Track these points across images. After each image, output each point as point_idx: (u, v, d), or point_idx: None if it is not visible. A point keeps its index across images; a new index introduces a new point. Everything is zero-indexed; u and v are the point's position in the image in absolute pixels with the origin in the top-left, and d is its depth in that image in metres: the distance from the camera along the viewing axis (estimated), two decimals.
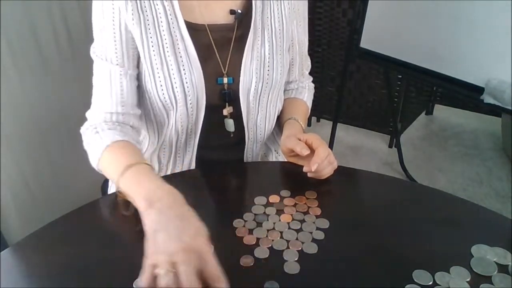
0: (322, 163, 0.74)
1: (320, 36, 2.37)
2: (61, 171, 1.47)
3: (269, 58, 0.83)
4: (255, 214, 0.69)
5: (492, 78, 1.28)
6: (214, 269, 0.52)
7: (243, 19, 0.82)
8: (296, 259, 0.60)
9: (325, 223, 0.67)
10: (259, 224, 0.67)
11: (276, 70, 0.84)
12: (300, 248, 0.62)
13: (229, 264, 0.60)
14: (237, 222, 0.67)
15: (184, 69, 0.78)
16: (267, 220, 0.68)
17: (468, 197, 1.92)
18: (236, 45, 0.82)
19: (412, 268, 0.58)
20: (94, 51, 0.78)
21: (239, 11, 0.81)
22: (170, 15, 0.77)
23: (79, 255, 0.62)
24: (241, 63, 0.81)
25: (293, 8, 0.86)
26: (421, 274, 0.57)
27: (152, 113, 0.84)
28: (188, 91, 0.78)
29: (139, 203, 0.60)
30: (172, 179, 0.83)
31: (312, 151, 0.77)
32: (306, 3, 0.90)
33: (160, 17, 0.77)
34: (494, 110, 1.40)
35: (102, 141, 0.73)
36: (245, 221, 0.67)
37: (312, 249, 0.62)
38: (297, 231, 0.65)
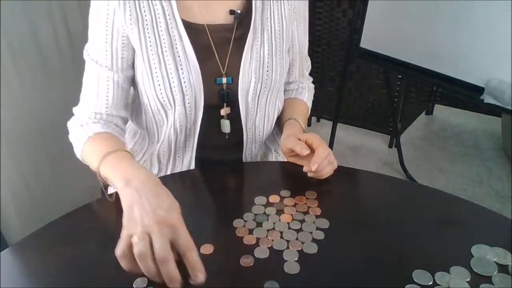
0: (322, 163, 0.74)
1: (320, 36, 2.37)
2: (61, 171, 1.47)
3: (268, 58, 0.83)
4: (255, 214, 0.69)
5: (492, 78, 1.28)
6: (186, 240, 0.55)
7: (242, 20, 0.82)
8: (296, 259, 0.60)
9: (325, 223, 0.67)
10: (259, 224, 0.67)
11: (275, 71, 0.84)
12: (300, 248, 0.62)
13: (229, 264, 0.60)
14: (237, 222, 0.67)
15: (182, 69, 0.78)
16: (267, 220, 0.68)
17: (468, 197, 1.92)
18: (235, 46, 0.82)
19: (412, 268, 0.58)
20: (87, 50, 0.80)
21: (239, 11, 0.81)
22: (169, 15, 0.77)
23: (79, 255, 0.62)
24: (240, 63, 0.81)
25: (293, 9, 0.86)
26: (421, 274, 0.57)
27: (151, 113, 0.84)
28: (186, 91, 0.79)
29: (117, 183, 0.63)
30: (172, 179, 0.83)
31: (312, 151, 0.77)
32: (307, 3, 0.90)
33: (159, 17, 0.77)
34: (494, 110, 1.40)
35: (85, 133, 0.77)
36: (245, 221, 0.67)
37: (312, 249, 0.62)
38: (297, 231, 0.65)
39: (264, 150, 0.99)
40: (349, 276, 0.58)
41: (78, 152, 0.79)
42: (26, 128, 1.34)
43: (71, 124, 0.83)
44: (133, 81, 0.84)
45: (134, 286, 0.56)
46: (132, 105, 0.90)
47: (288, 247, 0.62)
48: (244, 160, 0.92)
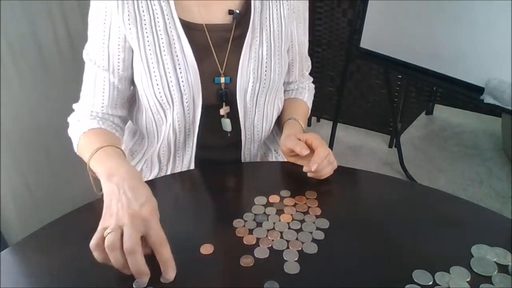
0: (322, 163, 0.74)
1: (320, 36, 2.37)
2: (61, 171, 1.47)
3: (267, 58, 0.83)
4: (255, 214, 0.69)
5: (492, 78, 1.28)
6: (158, 234, 0.57)
7: (241, 20, 0.82)
8: (296, 259, 0.60)
9: (325, 223, 0.67)
10: (259, 224, 0.67)
11: (274, 71, 0.84)
12: (300, 248, 0.62)
13: (229, 264, 0.60)
14: (237, 222, 0.67)
15: (180, 68, 0.78)
16: (267, 220, 0.68)
17: (468, 197, 1.92)
18: (234, 45, 0.82)
19: (412, 268, 0.58)
20: (87, 49, 0.81)
21: (238, 11, 0.81)
22: (167, 15, 0.77)
23: (79, 255, 0.62)
24: (238, 63, 0.81)
25: (292, 9, 0.86)
26: (421, 274, 0.57)
27: (150, 113, 0.84)
28: (184, 90, 0.79)
29: (101, 177, 0.66)
30: (172, 179, 0.83)
31: (312, 151, 0.77)
32: (307, 3, 0.90)
33: (157, 17, 0.77)
34: (494, 110, 1.40)
35: (81, 129, 0.80)
36: (245, 221, 0.67)
37: (312, 249, 0.62)
38: (297, 231, 0.65)
39: (264, 150, 0.99)
40: (349, 276, 0.58)
41: (75, 146, 0.82)
42: (26, 128, 1.34)
43: (70, 120, 0.86)
44: (131, 81, 0.84)
45: (134, 286, 0.56)
46: (132, 105, 0.90)
47: (288, 247, 0.62)
48: (243, 159, 0.92)
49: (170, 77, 0.78)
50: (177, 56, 0.78)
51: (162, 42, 0.77)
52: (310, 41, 0.98)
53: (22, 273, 0.61)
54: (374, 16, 1.64)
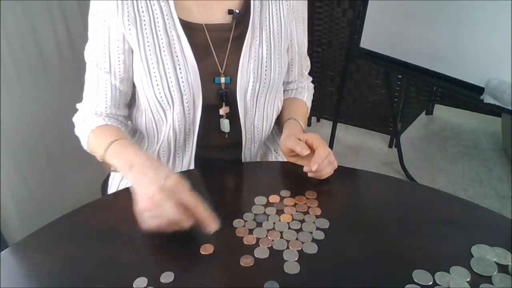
0: (322, 163, 0.74)
1: (320, 36, 2.37)
2: (61, 171, 1.47)
3: (266, 58, 0.83)
4: (255, 214, 0.69)
5: (492, 78, 1.28)
6: (188, 198, 0.62)
7: (241, 19, 0.82)
8: (296, 259, 0.60)
9: (325, 223, 0.67)
10: (259, 224, 0.67)
11: (274, 71, 0.84)
12: (300, 248, 0.62)
13: (229, 264, 0.60)
14: (237, 222, 0.67)
15: (180, 68, 0.78)
16: (267, 220, 0.68)
17: (468, 197, 1.92)
18: (233, 45, 0.82)
19: (412, 268, 0.58)
20: (87, 50, 0.82)
21: (237, 11, 0.81)
22: (167, 15, 0.77)
23: (79, 255, 0.62)
24: (238, 63, 0.81)
25: (292, 8, 0.86)
26: (421, 274, 0.57)
27: (150, 113, 0.84)
28: (184, 90, 0.79)
29: (122, 168, 0.71)
30: None
31: (312, 151, 0.77)
32: (306, 3, 0.90)
33: (157, 17, 0.77)
34: (494, 110, 1.39)
35: (87, 127, 0.83)
36: (245, 221, 0.67)
37: (312, 249, 0.62)
38: (297, 231, 0.65)
39: (264, 150, 0.99)
40: (349, 276, 0.58)
41: (84, 144, 0.84)
42: (26, 128, 1.34)
43: (75, 119, 0.87)
44: (133, 82, 0.84)
45: (134, 286, 0.56)
46: (132, 106, 0.90)
47: (288, 247, 0.62)
48: (243, 159, 0.92)
49: (170, 77, 0.78)
50: (177, 56, 0.78)
51: (162, 43, 0.77)
52: (309, 41, 0.98)
53: (22, 273, 0.61)
54: (374, 16, 1.64)
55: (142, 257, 0.61)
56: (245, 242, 0.63)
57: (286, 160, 0.85)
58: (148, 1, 0.77)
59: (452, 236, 0.64)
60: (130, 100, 0.89)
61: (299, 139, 0.79)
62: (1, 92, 1.23)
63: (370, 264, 0.59)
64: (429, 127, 2.60)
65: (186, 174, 0.85)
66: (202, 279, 0.57)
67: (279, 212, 0.69)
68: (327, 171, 0.76)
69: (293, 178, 0.80)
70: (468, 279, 0.56)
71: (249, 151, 0.92)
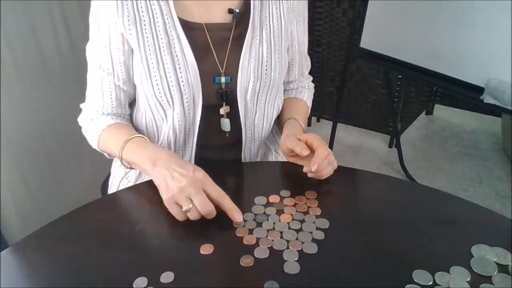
0: (322, 164, 0.74)
1: (320, 36, 2.37)
2: (61, 171, 1.47)
3: (267, 57, 0.83)
4: (255, 214, 0.69)
5: (492, 78, 1.28)
6: (215, 190, 0.67)
7: (241, 19, 0.82)
8: (296, 259, 0.60)
9: (325, 223, 0.67)
10: (259, 224, 0.67)
11: (274, 70, 0.84)
12: (300, 248, 0.62)
13: (229, 264, 0.60)
14: (237, 222, 0.67)
15: (180, 68, 0.78)
16: (267, 220, 0.68)
17: (468, 197, 1.92)
18: (234, 45, 0.82)
19: (412, 268, 0.58)
20: (89, 51, 0.82)
21: (237, 10, 0.81)
22: (166, 14, 0.77)
23: (79, 255, 0.62)
24: (239, 62, 0.81)
25: (292, 8, 0.86)
26: (421, 274, 0.57)
27: (150, 113, 0.84)
28: (184, 90, 0.79)
29: (146, 165, 0.73)
30: None
31: (312, 151, 0.77)
32: (306, 3, 0.91)
33: (157, 17, 0.77)
34: (494, 110, 1.39)
35: (98, 126, 0.84)
36: (245, 221, 0.67)
37: (312, 249, 0.62)
38: (297, 231, 0.65)
39: (264, 150, 0.99)
40: (349, 276, 0.58)
41: (94, 144, 0.86)
42: (26, 128, 1.34)
43: (81, 120, 0.88)
44: (134, 82, 0.84)
45: (134, 286, 0.56)
46: (132, 106, 0.90)
47: (288, 247, 0.62)
48: (243, 159, 0.92)
49: (170, 77, 0.78)
50: (177, 56, 0.78)
51: (162, 42, 0.77)
52: (310, 41, 0.98)
53: (22, 273, 0.61)
54: (374, 16, 1.64)
55: (142, 257, 0.61)
56: (245, 242, 0.63)
57: (286, 160, 0.85)
58: (147, 1, 0.77)
59: (452, 236, 0.64)
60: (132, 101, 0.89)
61: (299, 139, 0.79)
62: (1, 92, 1.23)
63: (370, 264, 0.59)
64: (429, 127, 2.60)
65: None
66: (202, 279, 0.57)
67: (279, 212, 0.69)
68: (327, 172, 0.76)
69: (293, 178, 0.80)
70: (468, 279, 0.56)
71: (249, 151, 0.92)
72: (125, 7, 0.75)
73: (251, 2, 0.82)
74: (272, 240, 0.63)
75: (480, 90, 1.31)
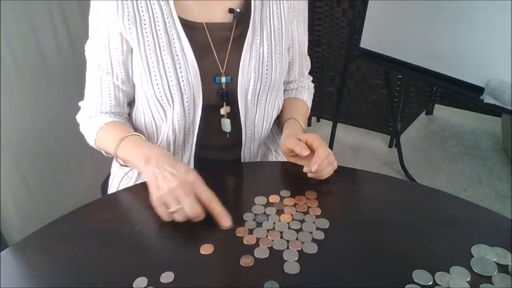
0: (322, 164, 0.74)
1: (320, 36, 2.37)
2: (61, 171, 1.47)
3: (267, 57, 0.83)
4: (255, 214, 0.69)
5: (492, 78, 1.28)
6: (206, 193, 0.66)
7: (241, 18, 0.82)
8: (296, 259, 0.60)
9: (325, 223, 0.67)
10: (259, 224, 0.67)
11: (275, 70, 0.84)
12: (300, 248, 0.62)
13: (229, 264, 0.60)
14: (237, 222, 0.67)
15: (180, 68, 0.78)
16: (267, 220, 0.68)
17: (468, 197, 1.92)
18: (234, 45, 0.82)
19: (412, 268, 0.58)
20: (89, 50, 0.82)
21: (238, 10, 0.81)
22: (167, 14, 0.77)
23: (79, 255, 0.62)
24: (239, 62, 0.81)
25: (292, 7, 0.86)
26: (421, 274, 0.57)
27: (150, 113, 0.84)
28: (184, 90, 0.79)
29: (138, 163, 0.73)
30: None
31: (312, 151, 0.76)
32: (306, 3, 0.91)
33: (157, 17, 0.77)
34: (494, 110, 1.39)
35: (95, 124, 0.84)
36: (245, 221, 0.67)
37: (312, 249, 0.62)
38: (297, 231, 0.65)
39: (264, 150, 0.99)
40: (349, 276, 0.58)
41: (92, 141, 0.86)
42: (26, 128, 1.34)
43: (80, 118, 0.88)
44: (133, 82, 0.84)
45: (134, 286, 0.56)
46: (132, 105, 0.90)
47: (288, 247, 0.62)
48: (243, 159, 0.92)
49: (170, 76, 0.78)
50: (177, 55, 0.78)
51: (162, 42, 0.77)
52: (310, 41, 0.98)
53: (22, 273, 0.61)
54: (374, 16, 1.64)
55: (142, 257, 0.61)
56: (245, 242, 0.63)
57: (286, 160, 0.85)
58: (148, 1, 0.77)
59: (452, 236, 0.64)
60: (132, 101, 0.89)
61: (299, 140, 0.79)
62: (1, 92, 1.23)
63: (370, 264, 0.59)
64: (429, 127, 2.60)
65: None
66: (202, 279, 0.57)
67: (279, 212, 0.69)
68: (327, 172, 0.76)
69: (293, 178, 0.80)
70: (468, 279, 0.56)
71: (249, 151, 0.92)
72: (125, 7, 0.76)
73: (252, 1, 0.82)
74: (272, 240, 0.63)
75: (480, 90, 1.31)
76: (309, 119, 2.57)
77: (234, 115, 0.85)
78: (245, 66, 0.81)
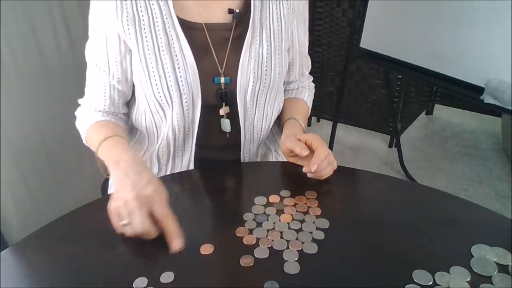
0: (322, 164, 0.74)
1: (320, 36, 2.37)
2: (61, 171, 1.47)
3: (267, 58, 0.83)
4: (255, 214, 0.69)
5: (492, 78, 1.28)
6: (161, 209, 0.62)
7: (241, 19, 0.82)
8: (296, 259, 0.60)
9: (325, 223, 0.67)
10: (259, 224, 0.67)
11: (274, 70, 0.84)
12: (300, 248, 0.62)
13: (229, 264, 0.60)
14: (237, 222, 0.67)
15: (179, 68, 0.78)
16: (267, 220, 0.68)
17: (468, 197, 1.92)
18: (233, 45, 0.82)
19: (412, 268, 0.58)
20: (88, 51, 0.83)
21: (237, 10, 0.81)
22: (166, 14, 0.77)
23: (79, 255, 0.62)
24: (238, 62, 0.81)
25: (292, 8, 0.86)
26: (421, 274, 0.57)
27: (150, 113, 0.84)
28: (183, 90, 0.79)
29: (110, 166, 0.71)
30: (172, 179, 0.83)
31: (312, 151, 0.77)
32: (307, 3, 0.90)
33: (156, 17, 0.77)
34: (494, 110, 1.39)
35: (87, 122, 0.85)
36: (245, 221, 0.67)
37: (312, 249, 0.62)
38: (297, 231, 0.65)
39: (264, 150, 0.99)
40: (349, 276, 0.58)
41: (83, 138, 0.87)
42: (26, 128, 1.34)
43: (78, 113, 0.89)
44: (132, 83, 0.84)
45: (134, 286, 0.56)
46: (132, 106, 0.90)
47: (288, 247, 0.62)
48: (242, 159, 0.92)
49: (169, 76, 0.78)
50: (176, 55, 0.78)
51: (161, 42, 0.77)
52: (310, 41, 0.98)
53: (22, 273, 0.61)
54: (374, 16, 1.64)
55: (142, 257, 0.62)
56: (245, 242, 0.63)
57: (286, 160, 0.85)
58: (147, 1, 0.77)
59: (452, 236, 0.64)
60: (130, 99, 0.89)
61: (299, 140, 0.79)
62: (1, 92, 1.23)
63: (370, 264, 0.59)
64: (429, 127, 2.60)
65: (186, 174, 0.85)
66: (202, 279, 0.57)
67: (279, 212, 0.69)
68: (326, 172, 0.76)
69: (293, 178, 0.80)
70: (468, 279, 0.56)
71: (248, 151, 0.92)
72: (124, 7, 0.76)
73: (251, 2, 0.82)
74: (272, 240, 0.63)
75: (480, 90, 1.31)
76: (309, 119, 2.57)
77: (234, 116, 0.85)
78: (244, 67, 0.81)
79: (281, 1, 0.85)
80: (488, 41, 1.29)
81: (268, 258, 0.60)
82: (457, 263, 0.58)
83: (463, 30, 1.35)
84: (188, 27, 0.79)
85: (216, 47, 0.81)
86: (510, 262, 0.59)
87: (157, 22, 0.77)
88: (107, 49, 0.79)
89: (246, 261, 0.60)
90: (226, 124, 0.86)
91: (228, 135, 0.88)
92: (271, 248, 0.62)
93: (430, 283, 0.56)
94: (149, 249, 0.64)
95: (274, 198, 0.73)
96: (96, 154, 0.78)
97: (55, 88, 1.38)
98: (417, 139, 2.46)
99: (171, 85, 0.78)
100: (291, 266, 0.59)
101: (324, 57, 2.43)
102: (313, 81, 1.04)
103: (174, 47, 0.78)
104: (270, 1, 0.84)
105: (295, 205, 0.71)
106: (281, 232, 0.65)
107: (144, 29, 0.77)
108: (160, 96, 0.79)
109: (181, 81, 0.78)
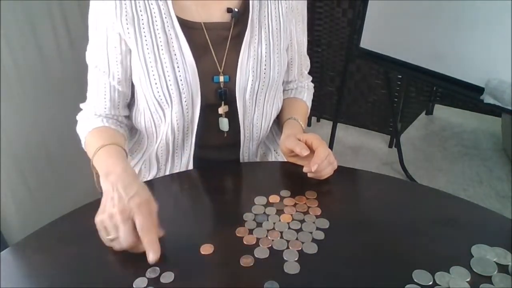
0: (322, 164, 0.74)
1: (320, 36, 2.37)
2: (61, 171, 1.47)
3: (266, 57, 0.83)
4: (255, 214, 0.69)
5: (492, 78, 1.28)
6: (142, 221, 0.61)
7: (240, 18, 0.82)
8: (296, 259, 0.60)
9: (325, 223, 0.67)
10: (259, 224, 0.67)
11: (273, 69, 0.84)
12: (300, 248, 0.62)
13: (229, 264, 0.60)
14: (237, 222, 0.67)
15: (178, 67, 0.78)
16: (267, 220, 0.68)
17: (468, 197, 1.92)
18: (232, 44, 0.82)
19: (412, 268, 0.58)
20: (89, 52, 0.82)
21: (236, 9, 0.81)
22: (165, 14, 0.78)
23: (79, 255, 0.62)
24: (237, 61, 0.81)
25: (290, 7, 0.86)
26: (421, 274, 0.57)
27: (149, 112, 0.84)
28: (183, 89, 0.79)
29: (101, 177, 0.70)
30: (171, 179, 0.83)
31: (312, 151, 0.76)
32: (305, 2, 0.91)
33: (155, 17, 0.77)
34: (494, 110, 1.39)
35: (86, 128, 0.84)
36: (245, 221, 0.67)
37: (312, 249, 0.62)
38: (297, 231, 0.65)
39: (263, 150, 0.99)
40: (349, 276, 0.58)
41: (83, 144, 0.85)
42: (26, 128, 1.34)
43: (79, 117, 0.88)
44: (132, 83, 0.84)
45: (134, 286, 0.56)
46: (132, 106, 0.90)
47: (288, 247, 0.62)
48: (241, 159, 0.92)
49: (169, 76, 0.78)
50: (175, 55, 0.78)
51: (160, 41, 0.78)
52: (309, 41, 0.98)
53: (22, 273, 0.61)
54: (374, 16, 1.64)
55: (142, 257, 0.61)
56: (245, 242, 0.63)
57: (286, 160, 0.85)
58: (146, 1, 0.77)
59: (452, 236, 0.64)
60: (130, 100, 0.89)
61: (299, 140, 0.79)
62: (1, 92, 1.23)
63: (370, 264, 0.59)
64: (429, 127, 2.60)
65: (185, 174, 0.85)
66: (202, 279, 0.57)
67: (279, 212, 0.69)
68: (327, 172, 0.76)
69: (293, 178, 0.80)
70: (468, 279, 0.56)
71: (248, 150, 0.92)
72: (123, 7, 0.76)
73: (250, 1, 0.82)
74: (272, 240, 0.63)
75: (480, 90, 1.31)
76: (309, 119, 2.57)
77: (233, 114, 0.85)
78: (243, 65, 0.81)
79: (279, 0, 0.85)
80: (488, 41, 1.29)
81: (268, 258, 0.60)
82: (457, 263, 0.58)
83: (463, 30, 1.35)
84: (187, 26, 0.79)
85: (215, 46, 0.81)
86: (510, 262, 0.59)
87: (156, 21, 0.77)
88: (107, 49, 0.79)
89: (246, 261, 0.60)
90: (224, 123, 0.86)
91: (226, 134, 0.88)
92: (271, 248, 0.62)
93: (430, 283, 0.56)
94: None
95: (274, 198, 0.73)
96: (92, 162, 0.77)
97: (55, 88, 1.39)
98: (417, 139, 2.46)
99: (171, 85, 0.78)
100: (291, 266, 0.59)
101: (324, 57, 2.43)
102: (312, 81, 1.04)
103: (173, 47, 0.78)
104: (269, 0, 0.84)
105: (295, 205, 0.71)
106: (281, 232, 0.65)
107: (143, 28, 0.77)
108: (159, 96, 0.79)
109: (181, 80, 0.78)
